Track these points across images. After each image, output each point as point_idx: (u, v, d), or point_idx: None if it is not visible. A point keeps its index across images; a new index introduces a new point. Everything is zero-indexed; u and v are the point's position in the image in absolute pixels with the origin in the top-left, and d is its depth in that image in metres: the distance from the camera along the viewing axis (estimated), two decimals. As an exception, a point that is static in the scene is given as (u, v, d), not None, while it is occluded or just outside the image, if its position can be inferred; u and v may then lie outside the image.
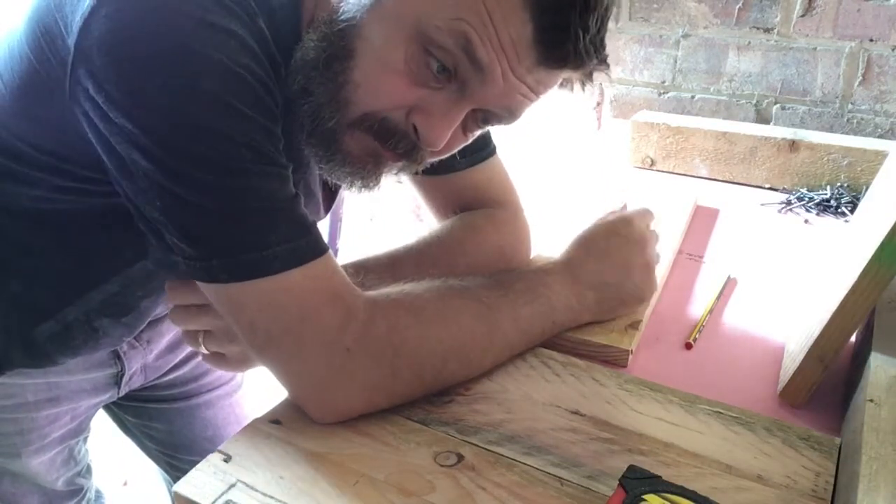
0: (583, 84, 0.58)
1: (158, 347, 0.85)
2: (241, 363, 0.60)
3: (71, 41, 0.49)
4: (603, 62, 0.55)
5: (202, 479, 0.50)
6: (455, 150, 0.62)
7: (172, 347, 0.87)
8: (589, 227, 0.71)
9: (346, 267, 0.65)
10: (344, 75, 0.53)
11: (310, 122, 0.56)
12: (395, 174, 0.62)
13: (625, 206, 0.86)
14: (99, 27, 0.47)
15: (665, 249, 0.82)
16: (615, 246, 0.69)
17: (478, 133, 0.61)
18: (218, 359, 0.61)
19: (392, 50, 0.52)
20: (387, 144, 0.56)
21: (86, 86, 0.49)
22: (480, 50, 0.50)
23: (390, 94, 0.53)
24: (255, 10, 0.52)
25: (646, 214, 0.75)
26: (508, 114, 0.57)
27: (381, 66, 0.53)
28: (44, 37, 0.52)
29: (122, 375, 0.82)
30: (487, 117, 0.57)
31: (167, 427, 0.96)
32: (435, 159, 0.61)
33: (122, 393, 0.86)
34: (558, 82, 0.57)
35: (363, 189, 0.61)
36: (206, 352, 0.61)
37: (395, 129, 0.55)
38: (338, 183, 0.61)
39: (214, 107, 0.48)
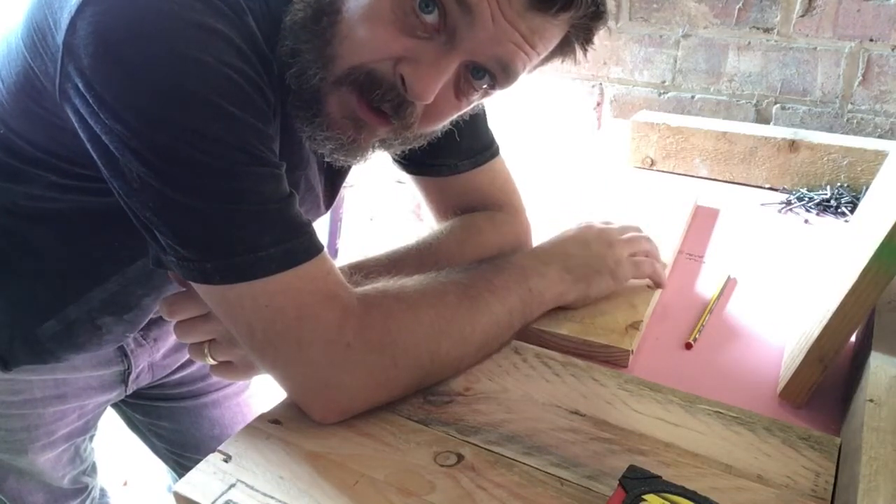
0: (584, 47, 0.57)
1: (166, 346, 0.85)
2: (249, 368, 0.60)
3: (59, 38, 0.48)
4: (600, 11, 0.53)
5: (202, 479, 0.50)
6: (448, 119, 0.60)
7: (180, 346, 0.87)
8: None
9: (343, 268, 0.65)
10: (331, 30, 0.53)
11: (296, 82, 0.55)
12: (387, 147, 0.61)
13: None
14: (85, 27, 0.47)
15: (665, 249, 0.82)
16: (572, 232, 0.75)
17: (474, 101, 0.59)
18: (226, 368, 0.61)
19: None
20: (373, 97, 0.54)
21: (75, 83, 0.48)
22: None
23: (376, 43, 0.52)
24: (243, 8, 0.51)
25: (622, 228, 0.78)
26: (502, 69, 0.55)
27: (368, 16, 0.52)
28: (36, 34, 0.52)
29: (129, 373, 0.83)
30: (481, 77, 0.56)
31: (175, 426, 0.96)
32: (427, 130, 0.60)
33: (130, 391, 0.86)
34: (555, 36, 0.55)
35: (346, 159, 0.60)
36: (213, 362, 0.60)
37: (382, 80, 0.53)
38: (321, 152, 0.60)
39: (204, 109, 0.48)
